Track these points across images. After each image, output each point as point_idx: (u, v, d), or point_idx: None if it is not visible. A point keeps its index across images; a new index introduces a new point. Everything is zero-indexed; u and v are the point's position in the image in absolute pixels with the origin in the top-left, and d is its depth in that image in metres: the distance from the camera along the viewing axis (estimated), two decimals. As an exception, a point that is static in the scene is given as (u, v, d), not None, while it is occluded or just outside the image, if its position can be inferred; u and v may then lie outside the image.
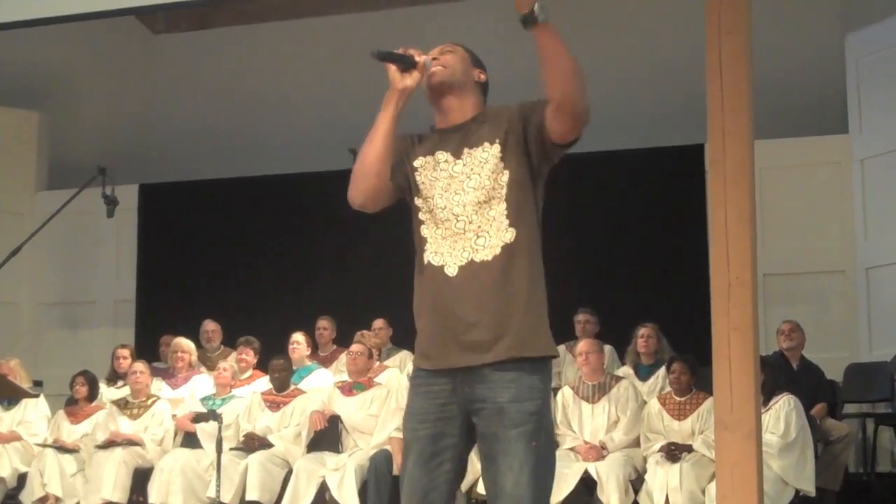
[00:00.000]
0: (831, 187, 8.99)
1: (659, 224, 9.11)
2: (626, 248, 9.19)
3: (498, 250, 2.93)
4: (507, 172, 2.96)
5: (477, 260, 2.93)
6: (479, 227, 2.95)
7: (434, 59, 3.05)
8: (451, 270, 2.95)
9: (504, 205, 2.95)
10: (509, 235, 2.94)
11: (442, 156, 3.03)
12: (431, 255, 2.99)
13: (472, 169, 2.98)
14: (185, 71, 11.19)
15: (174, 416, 8.03)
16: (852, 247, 8.80)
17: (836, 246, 8.87)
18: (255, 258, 10.21)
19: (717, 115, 4.36)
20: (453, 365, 2.93)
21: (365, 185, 3.00)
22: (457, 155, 3.01)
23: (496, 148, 2.97)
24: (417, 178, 3.04)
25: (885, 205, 8.59)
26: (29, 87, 10.86)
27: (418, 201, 3.04)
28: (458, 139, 3.03)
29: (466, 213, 2.96)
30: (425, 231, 3.01)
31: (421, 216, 3.03)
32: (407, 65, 2.97)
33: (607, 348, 7.93)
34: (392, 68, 2.98)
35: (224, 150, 10.73)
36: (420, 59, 2.98)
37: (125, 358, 8.70)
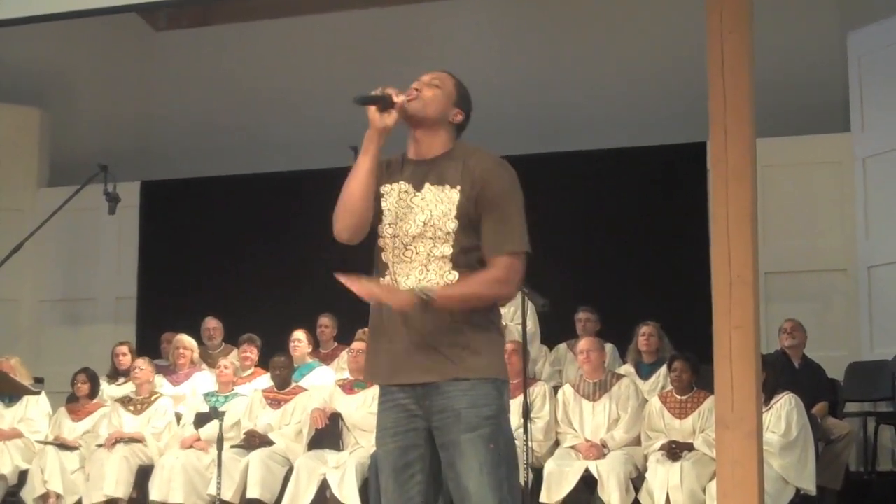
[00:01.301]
0: (833, 186, 8.98)
1: (660, 222, 9.10)
2: (627, 246, 9.18)
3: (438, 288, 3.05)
4: (456, 221, 3.07)
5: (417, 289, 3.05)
6: (425, 259, 3.09)
7: (416, 89, 3.14)
8: None
9: (450, 249, 3.07)
10: (451, 277, 3.07)
11: (404, 185, 3.14)
12: (384, 280, 3.13)
13: (427, 203, 3.10)
14: (187, 68, 11.18)
15: (178, 417, 8.04)
16: (854, 245, 8.80)
17: (838, 244, 8.87)
18: (256, 255, 10.20)
19: (718, 114, 4.36)
20: (404, 381, 3.07)
21: (350, 223, 3.10)
22: (418, 188, 3.13)
23: (455, 194, 3.08)
24: (382, 203, 3.16)
25: (887, 203, 8.58)
26: (30, 83, 10.86)
27: (379, 227, 3.16)
28: (422, 173, 3.14)
29: (415, 244, 3.09)
30: (384, 256, 3.15)
31: (380, 242, 3.16)
32: (385, 105, 3.06)
33: (608, 346, 7.92)
34: (372, 109, 3.06)
35: (226, 147, 10.72)
36: (398, 99, 3.06)
37: (124, 355, 8.71)
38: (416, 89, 3.14)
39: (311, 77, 10.64)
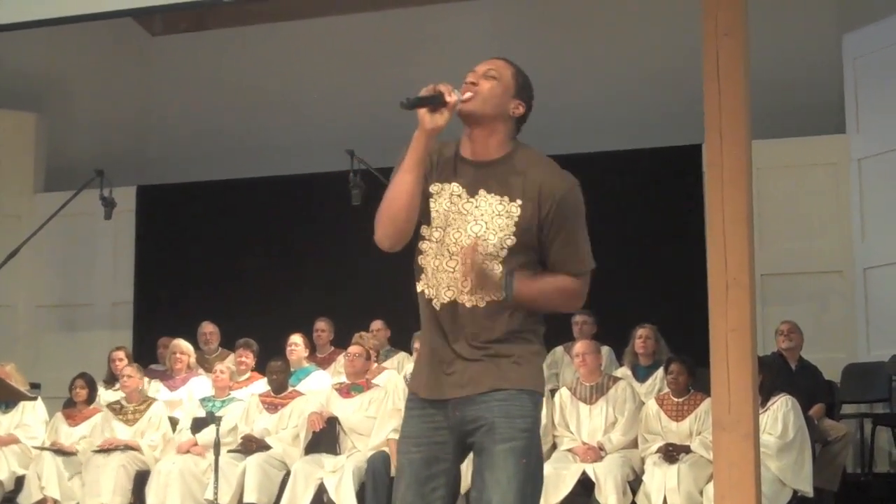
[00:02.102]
0: (829, 187, 8.99)
1: (657, 224, 9.11)
2: (623, 248, 9.16)
3: (482, 303, 2.87)
4: (514, 239, 2.85)
5: (460, 302, 2.87)
6: (475, 276, 2.86)
7: (471, 83, 2.90)
8: (437, 304, 2.91)
9: (501, 267, 2.86)
10: (499, 295, 2.87)
11: (457, 188, 2.91)
12: (424, 286, 2.94)
13: (482, 213, 2.87)
14: (183, 73, 11.19)
15: (175, 422, 8.03)
16: (850, 247, 8.80)
17: (834, 246, 8.87)
18: (252, 260, 10.20)
19: (714, 116, 4.36)
20: (440, 397, 2.90)
21: (394, 230, 2.87)
22: (471, 193, 2.89)
23: (515, 209, 2.86)
24: (431, 205, 2.92)
25: (883, 205, 8.59)
26: (26, 88, 10.86)
27: (424, 230, 2.93)
28: (477, 176, 2.90)
29: (462, 256, 2.87)
30: (422, 260, 2.94)
31: (422, 245, 2.94)
32: (437, 104, 2.80)
33: (605, 349, 7.93)
34: (422, 110, 2.81)
35: (222, 151, 10.72)
36: (450, 98, 2.80)
37: (121, 360, 8.69)
38: (472, 83, 2.89)
39: (309, 81, 10.65)
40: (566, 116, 9.77)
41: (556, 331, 8.23)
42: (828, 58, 9.18)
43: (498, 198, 2.87)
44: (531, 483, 2.86)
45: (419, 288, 2.95)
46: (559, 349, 8.44)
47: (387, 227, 2.87)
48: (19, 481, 7.96)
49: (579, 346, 7.39)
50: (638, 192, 9.27)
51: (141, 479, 7.61)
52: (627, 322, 8.01)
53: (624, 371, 7.84)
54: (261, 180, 10.36)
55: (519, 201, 2.86)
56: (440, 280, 2.90)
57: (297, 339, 8.45)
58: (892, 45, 8.62)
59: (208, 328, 9.20)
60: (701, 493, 6.48)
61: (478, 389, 2.86)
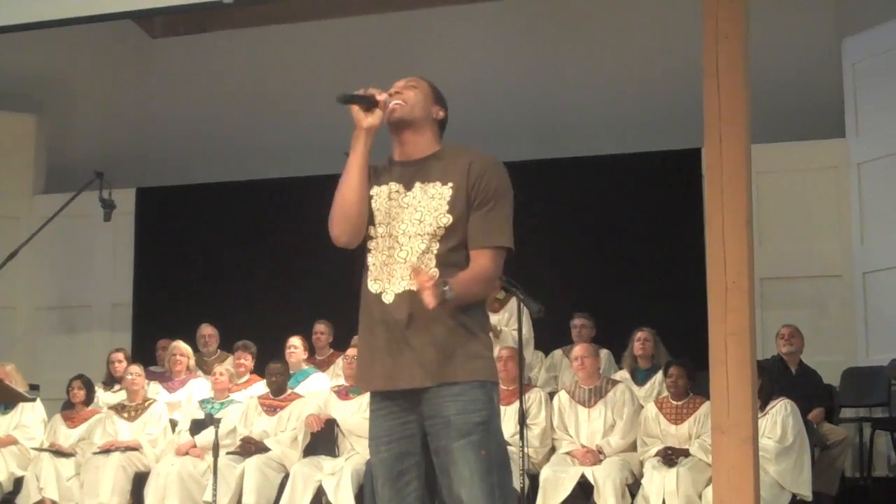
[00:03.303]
0: (828, 191, 8.99)
1: (656, 228, 9.11)
2: (623, 252, 9.18)
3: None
4: (449, 217, 3.07)
5: (413, 289, 3.00)
6: (416, 260, 3.05)
7: (396, 93, 3.15)
8: (388, 298, 3.08)
9: (438, 246, 3.06)
10: (434, 275, 3.02)
11: (395, 186, 3.14)
12: (371, 283, 3.13)
13: (419, 202, 3.10)
14: (183, 75, 11.19)
15: (174, 424, 8.03)
16: (849, 251, 8.81)
17: (834, 250, 8.87)
18: (251, 262, 10.19)
19: (713, 120, 4.37)
20: (398, 387, 3.05)
21: (347, 226, 3.10)
22: (408, 187, 3.13)
23: (447, 190, 3.09)
24: (372, 204, 3.15)
25: (882, 209, 8.60)
26: (26, 90, 10.86)
27: (370, 229, 3.15)
28: (411, 172, 3.14)
29: (409, 244, 3.07)
30: (370, 258, 3.14)
31: (369, 244, 3.15)
32: (369, 104, 3.09)
33: (603, 352, 7.93)
34: (355, 109, 3.10)
35: (221, 153, 10.72)
36: (381, 97, 3.10)
37: (120, 362, 8.71)
38: (397, 92, 3.16)
39: (308, 83, 10.63)
40: (565, 120, 9.78)
41: (555, 334, 8.24)
42: (827, 62, 9.19)
43: (430, 185, 3.11)
44: (495, 472, 3.02)
45: (369, 286, 3.12)
46: (558, 352, 8.44)
47: (340, 223, 3.10)
48: (18, 482, 7.97)
49: (578, 350, 7.39)
50: (637, 196, 9.26)
51: (140, 481, 7.61)
52: (626, 325, 8.01)
53: (623, 374, 7.84)
54: (260, 182, 10.36)
55: (450, 183, 3.09)
56: (392, 272, 3.09)
57: (295, 342, 8.45)
58: (892, 49, 8.63)
59: (207, 330, 9.20)
60: (700, 496, 6.48)
61: (433, 380, 3.01)
